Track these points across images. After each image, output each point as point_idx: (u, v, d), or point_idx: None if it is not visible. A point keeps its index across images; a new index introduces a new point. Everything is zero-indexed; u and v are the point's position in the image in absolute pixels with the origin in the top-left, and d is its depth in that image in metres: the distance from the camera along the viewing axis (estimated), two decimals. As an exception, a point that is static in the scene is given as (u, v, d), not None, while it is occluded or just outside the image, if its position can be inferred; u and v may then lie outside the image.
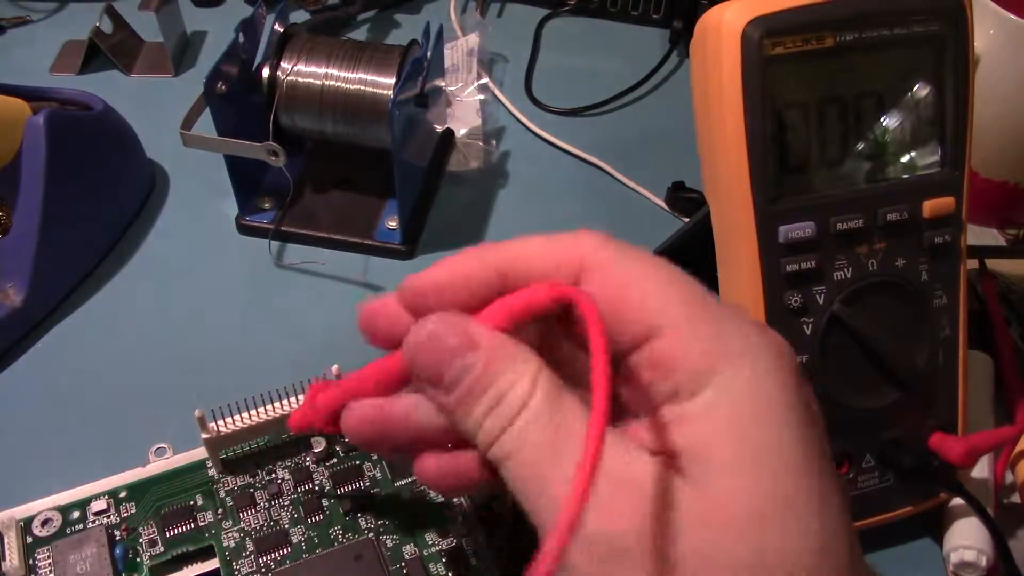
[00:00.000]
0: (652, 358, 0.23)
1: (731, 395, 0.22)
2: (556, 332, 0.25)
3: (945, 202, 0.35)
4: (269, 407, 0.35)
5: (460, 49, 0.61)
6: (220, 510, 0.35)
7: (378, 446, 0.28)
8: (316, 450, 0.36)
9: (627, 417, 0.24)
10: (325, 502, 0.35)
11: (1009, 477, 0.39)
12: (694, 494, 0.21)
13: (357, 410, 0.26)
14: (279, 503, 0.35)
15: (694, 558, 0.20)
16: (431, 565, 0.33)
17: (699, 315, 0.23)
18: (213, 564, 0.33)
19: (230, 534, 0.34)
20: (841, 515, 0.21)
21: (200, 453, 0.36)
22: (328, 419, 0.28)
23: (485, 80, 0.60)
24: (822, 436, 0.22)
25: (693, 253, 0.41)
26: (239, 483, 0.35)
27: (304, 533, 0.34)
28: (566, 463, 0.21)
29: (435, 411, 0.25)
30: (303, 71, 0.47)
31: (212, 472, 0.36)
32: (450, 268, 0.25)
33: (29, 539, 0.33)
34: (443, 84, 0.53)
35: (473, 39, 0.61)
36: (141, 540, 0.34)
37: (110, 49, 0.60)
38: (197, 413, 0.34)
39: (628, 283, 0.23)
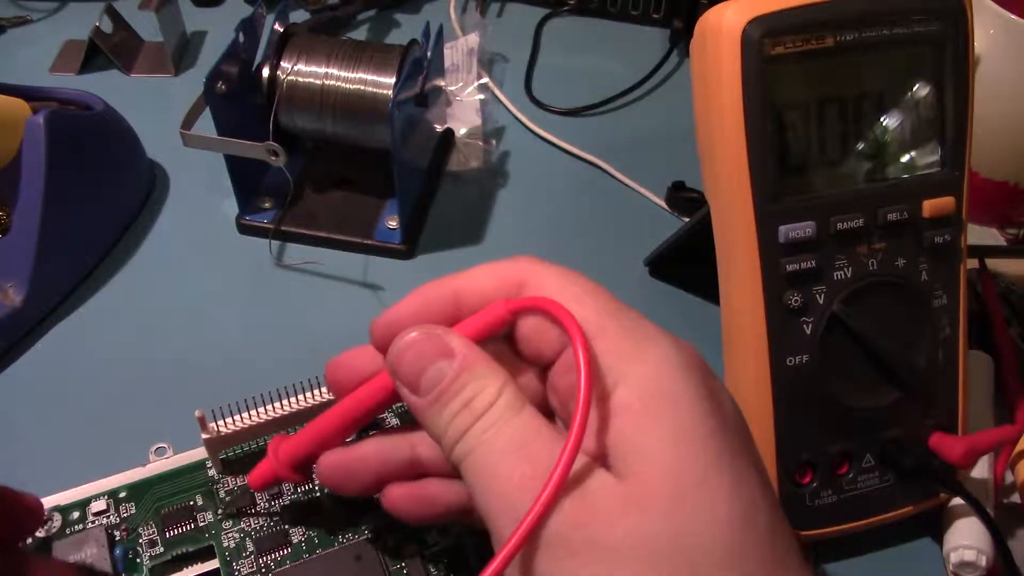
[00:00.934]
0: (568, 362, 0.26)
1: (640, 388, 0.24)
2: (505, 350, 0.28)
3: (945, 202, 0.35)
4: (269, 407, 0.35)
5: (460, 49, 0.61)
6: (220, 510, 0.35)
7: (350, 486, 0.30)
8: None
9: (557, 423, 0.27)
10: (325, 502, 0.35)
11: (1009, 477, 0.39)
12: (619, 484, 0.23)
13: (326, 457, 0.30)
14: (279, 503, 0.35)
15: (624, 540, 0.22)
16: (431, 565, 0.33)
17: (608, 321, 0.25)
18: (213, 564, 0.33)
19: (230, 534, 0.34)
20: (756, 489, 0.23)
21: (200, 453, 0.36)
22: (291, 468, 0.31)
23: (485, 80, 0.60)
24: (732, 419, 0.25)
25: (693, 253, 0.41)
26: (239, 483, 0.35)
27: (304, 533, 0.34)
28: (521, 464, 0.24)
29: (396, 446, 0.29)
30: (303, 71, 0.47)
31: (212, 472, 0.36)
32: (412, 298, 0.28)
33: (29, 540, 0.33)
34: (443, 84, 0.53)
35: (473, 39, 0.61)
36: (141, 540, 0.34)
37: (110, 49, 0.60)
38: (197, 413, 0.34)
39: (552, 297, 0.26)
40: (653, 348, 0.25)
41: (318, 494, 0.35)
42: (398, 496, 0.29)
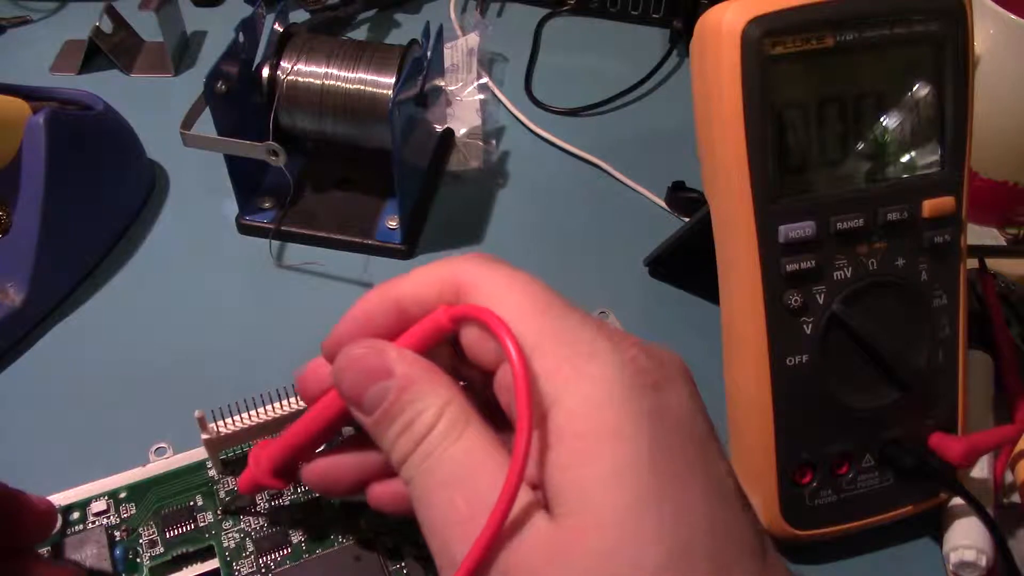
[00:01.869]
0: (507, 379, 0.24)
1: (575, 418, 0.22)
2: (459, 355, 0.27)
3: (945, 202, 0.35)
4: (269, 407, 0.35)
5: (460, 49, 0.61)
6: (220, 510, 0.35)
7: (337, 491, 0.30)
8: (316, 450, 0.36)
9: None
10: (324, 503, 0.35)
11: (1009, 477, 0.39)
12: (551, 529, 0.22)
13: (309, 468, 0.30)
14: (279, 503, 0.35)
15: None
16: (430, 565, 0.33)
17: (546, 335, 0.23)
18: (213, 564, 0.33)
19: (230, 535, 0.34)
20: (699, 521, 0.21)
21: (200, 453, 0.36)
22: (273, 474, 0.31)
23: (485, 80, 0.60)
24: (681, 436, 0.22)
25: (693, 253, 0.41)
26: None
27: (304, 533, 0.34)
28: (457, 500, 0.23)
29: (373, 448, 0.28)
30: (303, 71, 0.47)
31: (212, 473, 0.36)
32: (355, 313, 0.27)
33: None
34: (443, 84, 0.53)
35: (473, 39, 0.61)
36: (141, 541, 0.34)
37: (110, 49, 0.60)
38: (197, 414, 0.34)
39: (490, 304, 0.24)
40: (591, 368, 0.23)
41: (317, 495, 0.35)
42: (380, 494, 0.29)
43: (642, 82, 0.62)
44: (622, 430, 0.22)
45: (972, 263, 0.45)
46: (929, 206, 0.35)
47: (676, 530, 0.21)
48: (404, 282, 0.27)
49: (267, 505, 0.35)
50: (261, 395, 0.35)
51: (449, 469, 0.23)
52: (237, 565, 0.33)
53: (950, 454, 0.35)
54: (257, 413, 0.35)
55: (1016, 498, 0.39)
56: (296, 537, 0.34)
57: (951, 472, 0.36)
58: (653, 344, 0.25)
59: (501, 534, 0.22)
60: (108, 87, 0.54)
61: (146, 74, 0.61)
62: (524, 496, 0.22)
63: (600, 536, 0.21)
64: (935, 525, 0.38)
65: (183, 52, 0.62)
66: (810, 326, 0.35)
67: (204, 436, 0.34)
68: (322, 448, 0.31)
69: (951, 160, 0.36)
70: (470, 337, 0.25)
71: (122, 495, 0.35)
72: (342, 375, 0.26)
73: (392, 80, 0.47)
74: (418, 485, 0.24)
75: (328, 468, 0.30)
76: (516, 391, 0.22)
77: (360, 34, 0.65)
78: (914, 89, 0.35)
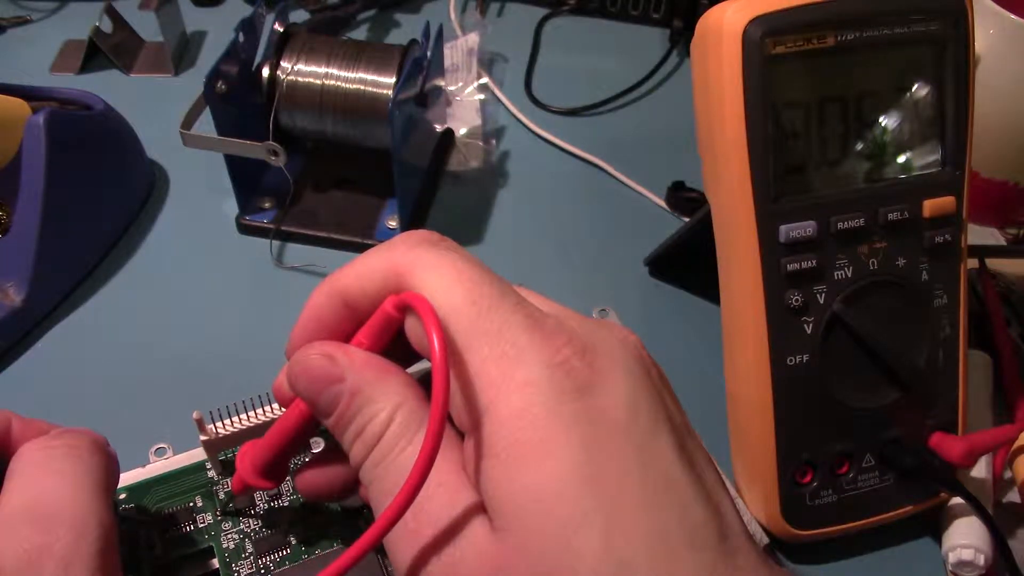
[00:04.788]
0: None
1: (505, 429, 0.21)
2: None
3: (945, 201, 0.35)
4: (268, 408, 0.35)
5: (460, 49, 0.61)
6: (219, 512, 0.35)
7: (331, 495, 0.30)
8: (315, 451, 0.36)
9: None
10: (323, 504, 0.35)
11: (1007, 475, 0.39)
12: (491, 544, 0.21)
13: (300, 479, 0.29)
14: (278, 504, 0.35)
15: None
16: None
17: (479, 334, 0.22)
18: (212, 565, 0.33)
19: (229, 536, 0.34)
20: (634, 540, 0.20)
21: (199, 454, 0.36)
22: (259, 475, 0.30)
23: (485, 80, 0.60)
24: (615, 436, 0.21)
25: (693, 253, 0.41)
26: (239, 483, 0.35)
27: (303, 534, 0.34)
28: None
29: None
30: (303, 71, 0.47)
31: (212, 474, 0.36)
32: (306, 314, 0.27)
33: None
34: (443, 84, 0.53)
35: (473, 39, 0.61)
36: (140, 542, 0.34)
37: (110, 49, 0.60)
38: (195, 415, 0.34)
39: (424, 291, 0.23)
40: (518, 372, 0.22)
41: (318, 494, 0.35)
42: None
43: (642, 82, 0.62)
44: (551, 443, 0.21)
45: (972, 263, 0.46)
46: (929, 206, 0.35)
47: (610, 546, 0.20)
48: (348, 274, 0.26)
49: (266, 506, 0.35)
50: (259, 396, 0.35)
51: (396, 478, 0.22)
52: (236, 566, 0.33)
53: (950, 454, 0.35)
54: (256, 414, 0.35)
55: (1014, 497, 0.39)
56: (295, 538, 0.34)
57: (951, 472, 0.36)
58: (594, 325, 0.24)
59: (443, 544, 0.21)
60: (108, 87, 0.54)
61: (146, 74, 0.61)
62: (466, 503, 0.22)
63: (535, 557, 0.20)
64: (935, 525, 0.38)
65: (183, 52, 0.62)
66: (810, 326, 0.35)
67: (202, 437, 0.34)
68: (314, 452, 0.31)
69: (951, 160, 0.36)
70: (411, 325, 0.24)
71: (122, 496, 0.35)
72: (295, 382, 0.25)
73: (392, 80, 0.47)
74: (372, 492, 0.24)
75: (317, 474, 0.29)
76: (433, 394, 0.21)
77: (360, 34, 0.65)
78: (914, 89, 0.35)
